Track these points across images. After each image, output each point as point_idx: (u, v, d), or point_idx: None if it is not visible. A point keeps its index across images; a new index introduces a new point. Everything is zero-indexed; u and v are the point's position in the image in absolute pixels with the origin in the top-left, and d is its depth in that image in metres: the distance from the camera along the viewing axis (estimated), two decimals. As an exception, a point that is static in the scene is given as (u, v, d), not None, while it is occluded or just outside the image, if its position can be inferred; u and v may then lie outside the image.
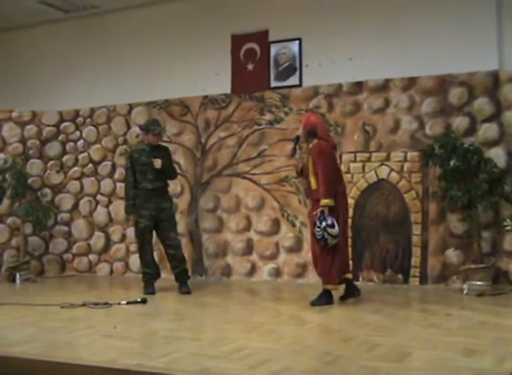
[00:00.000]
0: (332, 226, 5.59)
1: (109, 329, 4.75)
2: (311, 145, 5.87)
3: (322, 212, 5.65)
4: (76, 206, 9.12)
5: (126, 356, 3.78)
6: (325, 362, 3.59)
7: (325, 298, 5.82)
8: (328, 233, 5.58)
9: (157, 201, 6.90)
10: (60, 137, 9.21)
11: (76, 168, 9.15)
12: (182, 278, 6.95)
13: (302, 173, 6.06)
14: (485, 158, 6.65)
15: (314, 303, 5.81)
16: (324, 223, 5.58)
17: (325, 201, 5.67)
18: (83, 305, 5.87)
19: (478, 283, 6.38)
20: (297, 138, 5.99)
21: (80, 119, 9.18)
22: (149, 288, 6.85)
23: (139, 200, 6.90)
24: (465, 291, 6.39)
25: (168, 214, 7.00)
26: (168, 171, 7.04)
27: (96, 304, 5.88)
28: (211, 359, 3.72)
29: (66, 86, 9.22)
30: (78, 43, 9.29)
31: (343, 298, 5.96)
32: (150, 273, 6.94)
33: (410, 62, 7.28)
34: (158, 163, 6.85)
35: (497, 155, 6.80)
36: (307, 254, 7.64)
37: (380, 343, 4.10)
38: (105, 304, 5.90)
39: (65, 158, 9.19)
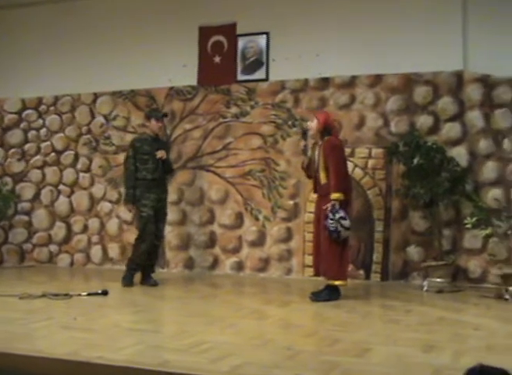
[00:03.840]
0: (345, 218, 5.65)
1: (69, 320, 4.69)
2: (321, 142, 5.95)
3: (334, 205, 5.68)
4: (37, 196, 8.97)
5: (87, 348, 3.74)
6: (286, 357, 3.60)
7: (329, 294, 5.78)
8: (342, 225, 5.62)
9: (156, 191, 6.88)
10: (22, 125, 9.06)
11: (38, 157, 9.00)
12: (149, 270, 6.93)
13: (308, 168, 6.11)
14: (447, 157, 6.74)
15: (316, 298, 5.76)
16: (337, 215, 5.62)
17: (336, 195, 5.69)
18: (43, 295, 5.78)
19: (438, 280, 6.47)
20: (305, 134, 6.11)
21: (43, 107, 9.04)
22: (129, 280, 6.77)
23: (139, 190, 6.84)
24: (425, 288, 6.47)
25: (164, 205, 7.01)
26: (168, 164, 7.05)
27: (56, 295, 5.80)
28: (172, 352, 3.71)
29: (30, 72, 9.04)
30: (43, 29, 9.11)
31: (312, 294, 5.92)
32: (138, 264, 6.84)
33: (377, 60, 7.34)
34: (162, 153, 6.84)
35: (459, 154, 6.90)
36: (269, 248, 7.67)
37: (341, 338, 4.13)
38: (65, 295, 5.82)
39: (26, 146, 9.04)
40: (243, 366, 3.39)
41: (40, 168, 8.99)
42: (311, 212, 7.00)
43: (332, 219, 5.64)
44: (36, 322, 4.66)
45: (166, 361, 3.48)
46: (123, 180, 7.11)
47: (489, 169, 6.83)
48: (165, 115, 7.32)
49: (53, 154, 8.93)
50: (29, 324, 4.57)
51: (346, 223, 5.66)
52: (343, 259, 5.82)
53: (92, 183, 8.70)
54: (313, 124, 6.04)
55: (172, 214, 8.04)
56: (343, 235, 5.68)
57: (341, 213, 5.65)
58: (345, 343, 4.01)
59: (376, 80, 7.39)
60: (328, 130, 5.97)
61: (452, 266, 6.68)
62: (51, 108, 9.00)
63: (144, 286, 6.79)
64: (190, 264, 8.08)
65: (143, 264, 6.89)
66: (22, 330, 4.37)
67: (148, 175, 6.85)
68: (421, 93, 7.19)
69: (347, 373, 3.32)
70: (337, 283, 5.80)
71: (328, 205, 5.71)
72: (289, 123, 7.69)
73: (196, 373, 3.27)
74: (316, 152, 5.99)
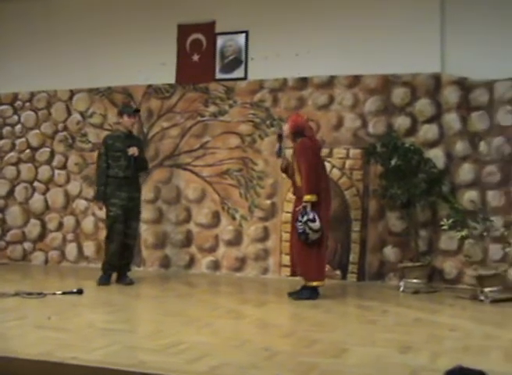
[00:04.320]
0: (314, 220, 5.65)
1: (43, 320, 4.63)
2: (294, 144, 6.01)
3: (305, 207, 5.71)
4: (11, 192, 8.85)
5: (61, 349, 3.69)
6: (264, 358, 3.58)
7: (308, 293, 5.83)
8: (310, 228, 5.64)
9: (128, 190, 6.81)
10: (-4, 121, 8.95)
11: (12, 153, 8.88)
12: (125, 269, 6.88)
13: (286, 170, 6.19)
14: (424, 159, 6.77)
15: (297, 297, 5.81)
16: (305, 217, 5.65)
17: (307, 197, 5.73)
18: (16, 294, 5.69)
19: (414, 280, 6.50)
20: (280, 137, 6.14)
21: (18, 103, 8.92)
22: (106, 279, 6.72)
23: (110, 188, 6.78)
24: (401, 289, 6.50)
25: (136, 204, 6.95)
26: (141, 161, 6.96)
27: (30, 294, 5.72)
28: (148, 353, 3.67)
29: (5, 68, 8.92)
30: (20, 24, 8.97)
31: (291, 294, 5.94)
32: (111, 265, 6.79)
33: (356, 61, 7.35)
34: (133, 150, 6.76)
35: (436, 155, 6.94)
36: (246, 248, 7.65)
37: (318, 339, 4.12)
38: (39, 294, 5.74)
39: (1, 142, 8.92)
40: (220, 366, 3.37)
41: (15, 164, 8.87)
42: (288, 212, 7.00)
43: (300, 222, 5.69)
44: (9, 321, 4.60)
45: (142, 361, 3.44)
46: (95, 177, 7.06)
47: (466, 171, 6.87)
48: (138, 110, 7.29)
49: (28, 150, 8.81)
50: (2, 323, 4.50)
51: (314, 225, 5.66)
52: (319, 260, 5.87)
53: (68, 181, 8.60)
54: (285, 127, 6.13)
55: (148, 212, 7.99)
56: (311, 237, 5.70)
57: (310, 215, 5.67)
58: (322, 344, 4.00)
59: (354, 80, 7.40)
60: (299, 132, 6.02)
61: (428, 267, 6.72)
62: (27, 104, 8.88)
63: (119, 285, 6.73)
64: (166, 263, 8.03)
65: (117, 264, 6.83)
66: (-6, 329, 4.31)
67: (120, 172, 6.80)
68: (399, 94, 7.21)
69: None
70: (315, 284, 5.86)
71: (300, 207, 5.75)
72: (268, 122, 7.67)
73: (172, 374, 3.24)
74: (291, 155, 6.08)
